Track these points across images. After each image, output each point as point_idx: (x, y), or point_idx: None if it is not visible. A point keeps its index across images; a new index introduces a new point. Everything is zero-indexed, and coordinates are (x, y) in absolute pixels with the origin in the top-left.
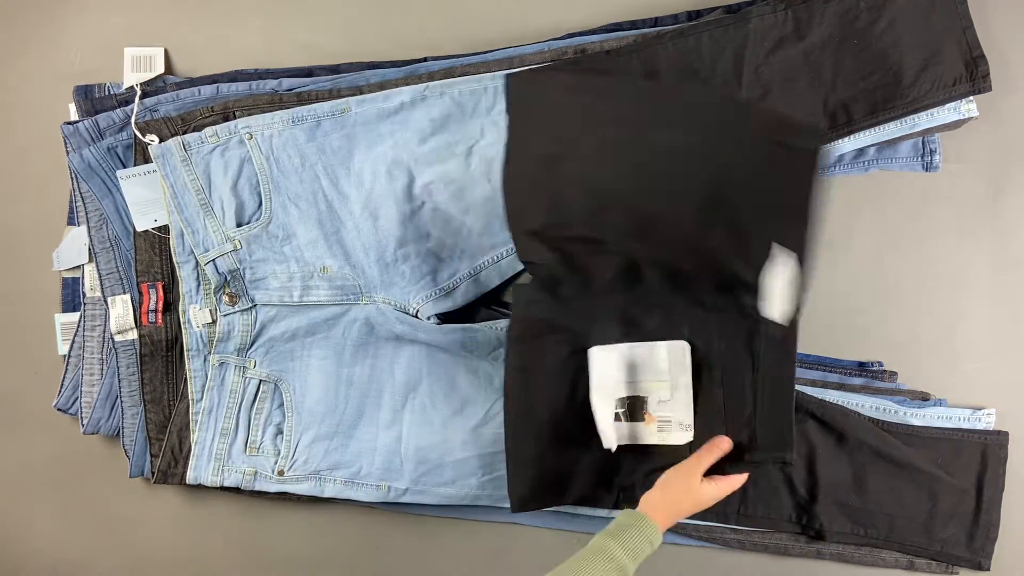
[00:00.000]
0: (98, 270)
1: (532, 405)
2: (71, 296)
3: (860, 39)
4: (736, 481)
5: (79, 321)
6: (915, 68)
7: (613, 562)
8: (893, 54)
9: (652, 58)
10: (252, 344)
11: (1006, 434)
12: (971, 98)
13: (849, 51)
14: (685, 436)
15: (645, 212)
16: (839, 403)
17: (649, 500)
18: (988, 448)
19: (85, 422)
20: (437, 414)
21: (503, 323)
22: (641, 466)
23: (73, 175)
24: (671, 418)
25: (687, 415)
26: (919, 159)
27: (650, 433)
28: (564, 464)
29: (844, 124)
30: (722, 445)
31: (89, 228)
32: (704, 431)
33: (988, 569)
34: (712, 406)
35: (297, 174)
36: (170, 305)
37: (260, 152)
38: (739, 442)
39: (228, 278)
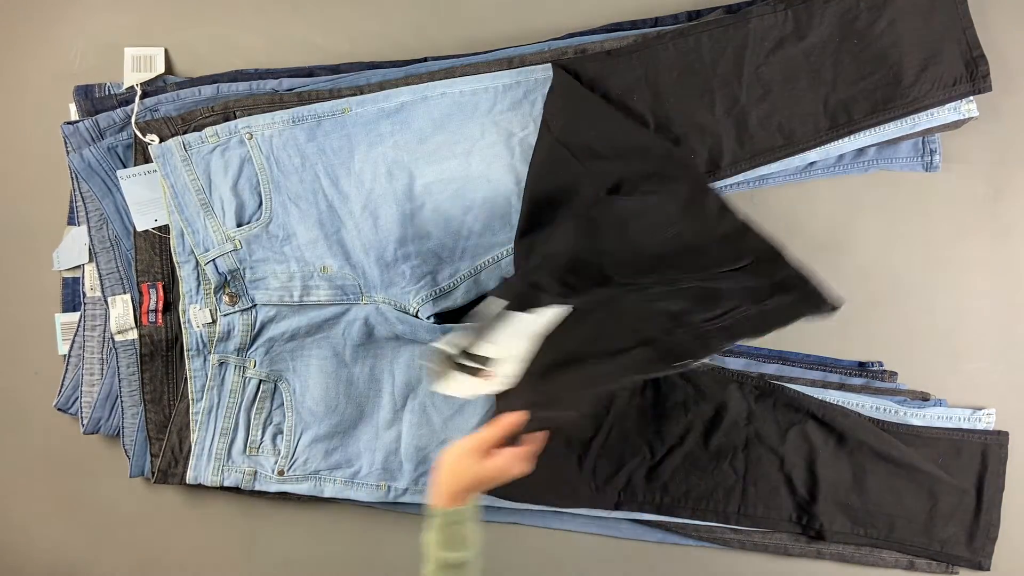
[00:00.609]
0: (98, 270)
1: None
2: (71, 296)
3: (860, 39)
4: (521, 450)
5: (79, 321)
6: (915, 68)
7: (443, 572)
8: (893, 54)
9: (652, 58)
10: (252, 344)
11: (1006, 434)
12: (971, 98)
13: (849, 51)
14: (500, 385)
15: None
16: (839, 403)
17: (431, 487)
18: (988, 448)
19: (85, 422)
20: (437, 414)
21: None
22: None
23: (73, 175)
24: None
25: (513, 367)
26: (919, 159)
27: (482, 386)
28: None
29: (844, 124)
30: (504, 421)
31: (89, 228)
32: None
33: (988, 569)
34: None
35: (297, 174)
36: (170, 305)
37: (260, 152)
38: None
39: (228, 278)
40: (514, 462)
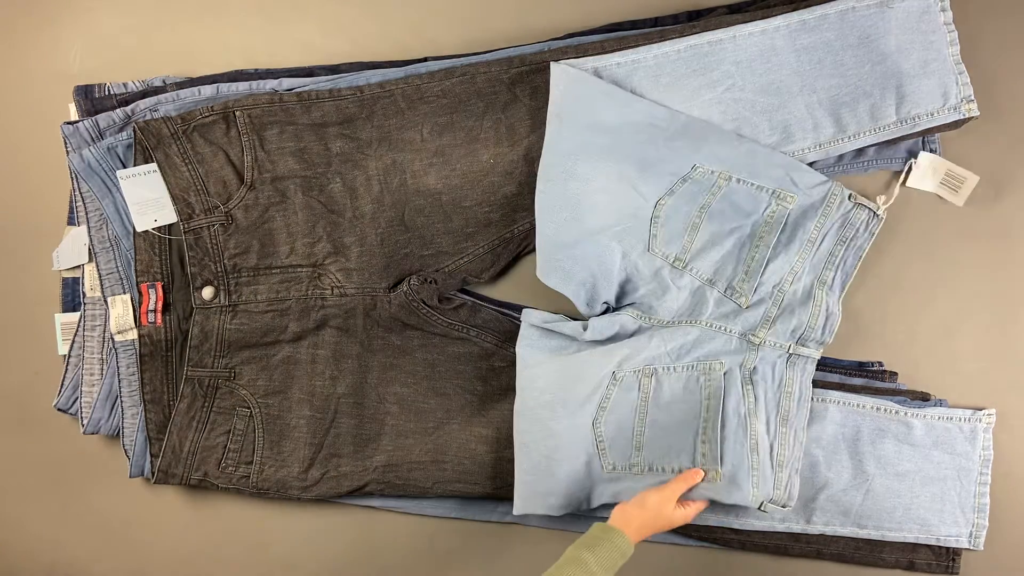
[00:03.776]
0: (98, 270)
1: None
2: (71, 296)
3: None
4: (700, 506)
5: (79, 321)
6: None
7: (587, 573)
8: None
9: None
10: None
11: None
12: (971, 98)
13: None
14: None
15: None
16: (839, 402)
17: (624, 514)
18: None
19: (85, 422)
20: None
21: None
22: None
23: (73, 175)
24: None
25: None
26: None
27: None
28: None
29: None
30: (696, 476)
31: (89, 228)
32: None
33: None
34: None
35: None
36: (170, 305)
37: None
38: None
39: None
40: (693, 515)
